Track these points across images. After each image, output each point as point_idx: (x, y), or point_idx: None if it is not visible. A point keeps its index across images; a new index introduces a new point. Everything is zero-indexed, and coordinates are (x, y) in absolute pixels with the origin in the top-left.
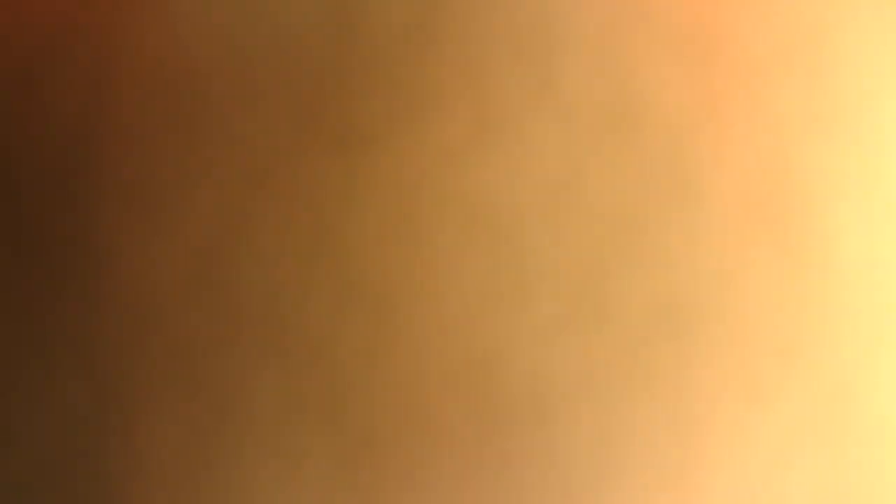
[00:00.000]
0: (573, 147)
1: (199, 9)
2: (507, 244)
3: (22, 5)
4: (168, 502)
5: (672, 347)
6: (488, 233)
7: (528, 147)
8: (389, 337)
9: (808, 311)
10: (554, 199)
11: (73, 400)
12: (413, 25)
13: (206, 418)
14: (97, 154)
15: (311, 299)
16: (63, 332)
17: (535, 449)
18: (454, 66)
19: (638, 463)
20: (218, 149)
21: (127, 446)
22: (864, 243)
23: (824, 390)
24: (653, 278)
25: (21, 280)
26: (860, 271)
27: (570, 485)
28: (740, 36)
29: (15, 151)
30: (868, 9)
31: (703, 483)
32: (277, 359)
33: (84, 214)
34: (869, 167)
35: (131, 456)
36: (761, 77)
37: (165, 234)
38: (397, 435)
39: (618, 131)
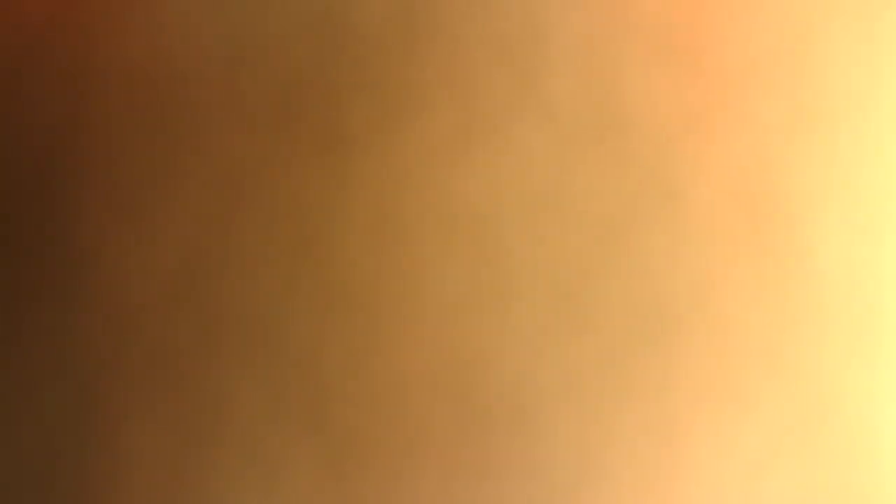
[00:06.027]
0: (557, 152)
1: (184, 14)
2: (490, 249)
3: (6, 7)
4: None
5: (653, 352)
6: (471, 237)
7: (512, 152)
8: (372, 341)
9: (788, 317)
10: (537, 203)
11: (53, 403)
12: (397, 29)
13: (188, 422)
14: (79, 157)
15: (293, 303)
16: (43, 335)
17: (518, 452)
18: (439, 69)
19: (618, 466)
20: (201, 152)
21: (108, 449)
22: (845, 249)
23: (804, 395)
24: (635, 283)
25: (1, 282)
26: (841, 277)
27: (551, 487)
28: (724, 43)
29: None
30: (849, 18)
31: (683, 486)
32: (260, 363)
33: (65, 218)
34: (850, 174)
35: (112, 459)
36: (744, 84)
37: (147, 237)
38: (380, 439)
39: (602, 137)
